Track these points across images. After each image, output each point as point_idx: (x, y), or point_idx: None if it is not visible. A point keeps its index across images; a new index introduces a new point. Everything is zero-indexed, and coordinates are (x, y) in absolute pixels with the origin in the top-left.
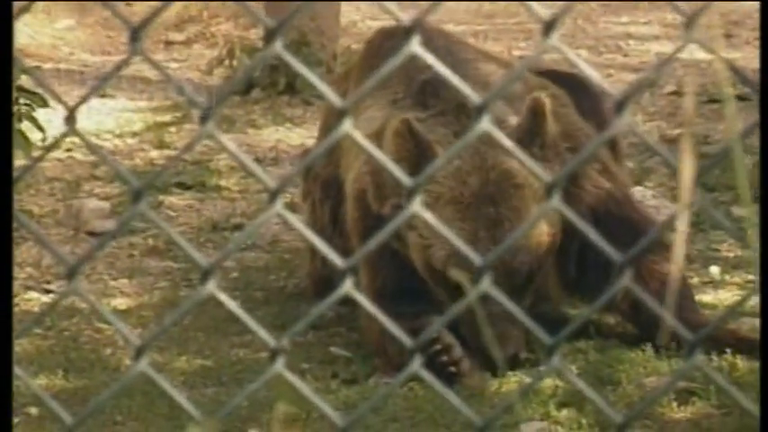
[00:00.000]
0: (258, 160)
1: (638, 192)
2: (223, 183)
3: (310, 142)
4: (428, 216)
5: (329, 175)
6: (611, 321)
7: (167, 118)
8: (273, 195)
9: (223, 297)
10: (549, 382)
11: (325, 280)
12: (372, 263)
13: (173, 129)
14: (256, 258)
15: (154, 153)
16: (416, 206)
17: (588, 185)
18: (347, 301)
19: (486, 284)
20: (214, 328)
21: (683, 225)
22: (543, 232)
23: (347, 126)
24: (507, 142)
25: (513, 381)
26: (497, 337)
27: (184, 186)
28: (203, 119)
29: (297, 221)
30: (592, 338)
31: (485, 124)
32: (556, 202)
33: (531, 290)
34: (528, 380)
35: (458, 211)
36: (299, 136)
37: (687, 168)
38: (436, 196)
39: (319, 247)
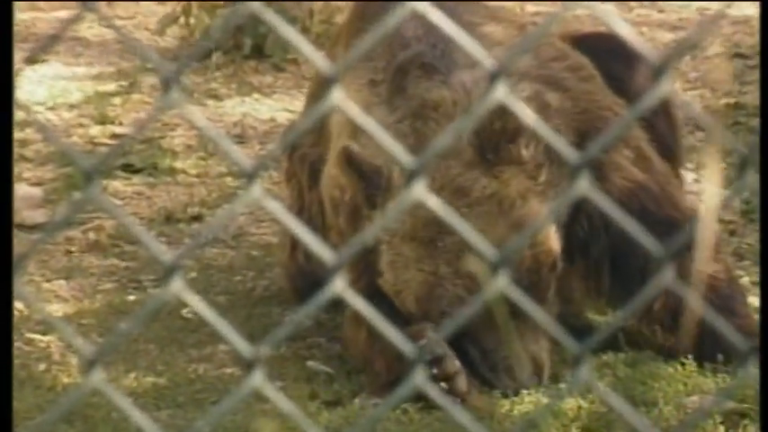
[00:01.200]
0: (220, 137)
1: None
2: (178, 165)
3: (282, 116)
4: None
5: (318, 155)
6: (646, 331)
7: (111, 87)
8: (250, 179)
9: (193, 299)
10: (570, 403)
11: (308, 279)
12: (355, 265)
13: (117, 100)
14: (218, 255)
15: (94, 130)
16: (420, 191)
17: (616, 177)
18: (327, 307)
19: (504, 282)
20: (168, 339)
21: (715, 214)
22: (550, 238)
23: (336, 96)
24: (528, 114)
25: (527, 401)
26: (522, 351)
27: (132, 169)
28: (166, 86)
29: (280, 209)
30: (622, 350)
31: (500, 93)
32: (584, 186)
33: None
34: (545, 400)
35: (413, 249)
36: (269, 109)
37: (718, 142)
38: (392, 233)
39: (304, 239)
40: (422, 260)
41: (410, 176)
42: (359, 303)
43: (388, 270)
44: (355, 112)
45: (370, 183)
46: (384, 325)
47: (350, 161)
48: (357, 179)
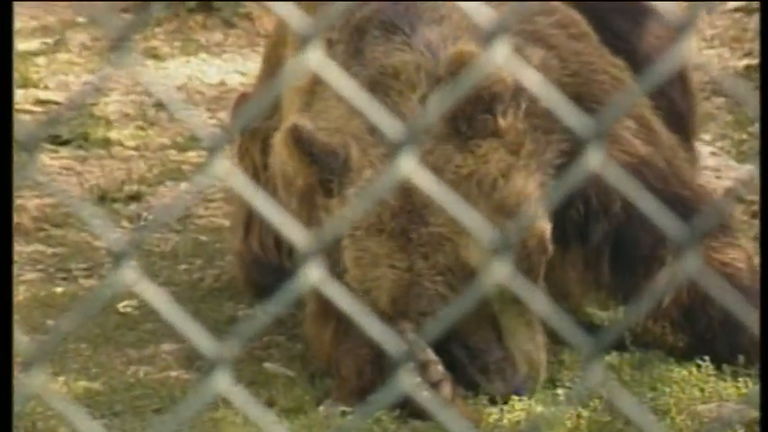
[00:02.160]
0: (159, 105)
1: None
2: (113, 135)
3: (233, 79)
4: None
5: (271, 131)
6: (655, 328)
7: (33, 46)
8: (212, 152)
9: (150, 287)
10: (568, 411)
11: (265, 268)
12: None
13: (41, 61)
14: (160, 241)
15: (15, 95)
16: (408, 166)
17: (615, 151)
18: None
19: (505, 271)
20: (103, 338)
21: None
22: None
23: (315, 58)
24: (533, 75)
25: (518, 408)
26: (516, 350)
27: (59, 141)
28: (115, 47)
29: (249, 187)
30: (627, 351)
31: (499, 56)
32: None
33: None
34: (539, 407)
35: (382, 243)
36: (219, 70)
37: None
38: (354, 227)
39: (276, 222)
40: (393, 255)
41: (395, 149)
42: (338, 295)
43: (353, 267)
44: (335, 74)
45: (325, 166)
46: (366, 320)
47: (299, 141)
48: (309, 162)
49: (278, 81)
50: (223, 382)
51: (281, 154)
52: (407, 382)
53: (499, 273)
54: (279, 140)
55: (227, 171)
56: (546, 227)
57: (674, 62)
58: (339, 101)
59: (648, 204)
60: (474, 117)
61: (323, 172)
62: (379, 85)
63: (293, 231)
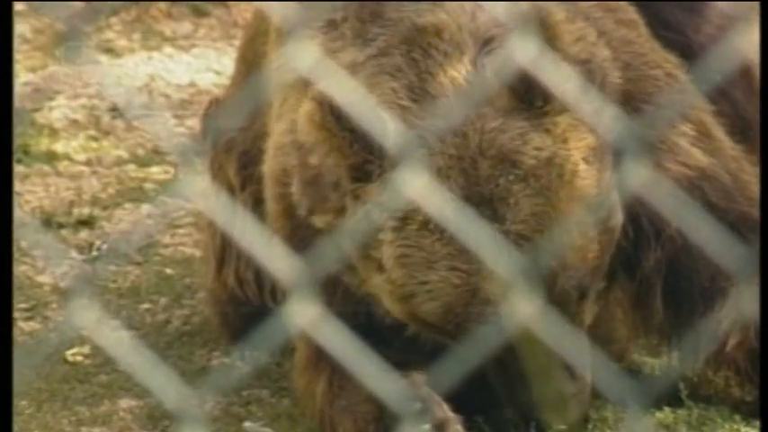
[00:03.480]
0: (114, 111)
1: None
2: (59, 148)
3: (205, 79)
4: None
5: (251, 143)
6: (716, 379)
7: None
8: (178, 169)
9: (105, 331)
10: None
11: (242, 308)
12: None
13: None
14: (118, 275)
15: None
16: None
17: (671, 162)
18: (271, 349)
19: (535, 310)
20: (48, 393)
21: None
22: (586, 232)
23: (306, 56)
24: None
25: None
26: (552, 396)
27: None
28: (62, 40)
29: (222, 208)
30: (683, 406)
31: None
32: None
33: (588, 309)
34: None
35: (441, 241)
36: (188, 69)
37: None
38: (403, 217)
39: (252, 249)
40: (455, 255)
41: (398, 160)
42: (337, 335)
43: (396, 267)
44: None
45: (365, 145)
46: (368, 369)
47: (334, 115)
48: (348, 140)
49: (258, 83)
50: None
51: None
52: None
53: (524, 311)
54: (303, 117)
55: (198, 191)
56: (619, 222)
57: (733, 56)
58: (357, 67)
59: (703, 226)
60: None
61: (361, 152)
62: (415, 44)
63: (279, 261)
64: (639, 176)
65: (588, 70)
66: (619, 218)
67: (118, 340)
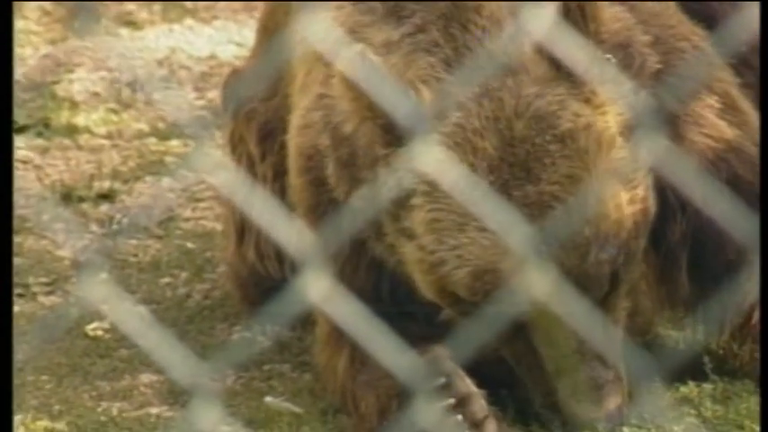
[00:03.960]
0: (135, 84)
1: None
2: (80, 121)
3: (227, 51)
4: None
5: (273, 114)
6: (742, 353)
7: None
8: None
9: (124, 306)
10: None
11: (263, 283)
12: (335, 260)
13: None
14: (138, 249)
15: None
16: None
17: (696, 134)
18: (292, 322)
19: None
20: (68, 368)
21: None
22: (621, 202)
23: (310, 28)
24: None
25: None
26: (585, 385)
27: (15, 128)
28: (79, 11)
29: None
30: (709, 381)
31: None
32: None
33: (622, 302)
34: None
35: (476, 202)
36: (209, 41)
37: None
38: (432, 182)
39: (267, 223)
40: (488, 215)
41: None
42: (351, 311)
43: (426, 232)
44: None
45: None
46: (386, 342)
47: (369, 74)
48: (373, 101)
49: (280, 54)
50: (207, 418)
51: (304, 119)
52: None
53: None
54: (338, 80)
55: (212, 164)
56: (623, 197)
57: (754, 25)
58: (391, 46)
59: (723, 200)
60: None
61: (393, 115)
62: (453, 20)
63: (294, 233)
64: (656, 150)
65: (627, 54)
66: (652, 199)
67: (130, 313)
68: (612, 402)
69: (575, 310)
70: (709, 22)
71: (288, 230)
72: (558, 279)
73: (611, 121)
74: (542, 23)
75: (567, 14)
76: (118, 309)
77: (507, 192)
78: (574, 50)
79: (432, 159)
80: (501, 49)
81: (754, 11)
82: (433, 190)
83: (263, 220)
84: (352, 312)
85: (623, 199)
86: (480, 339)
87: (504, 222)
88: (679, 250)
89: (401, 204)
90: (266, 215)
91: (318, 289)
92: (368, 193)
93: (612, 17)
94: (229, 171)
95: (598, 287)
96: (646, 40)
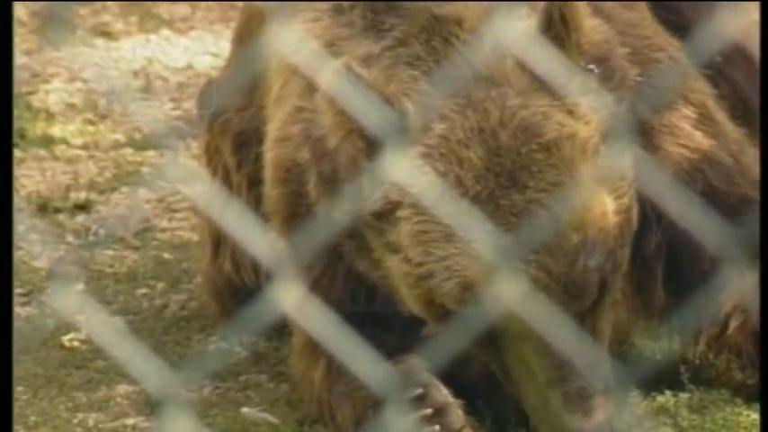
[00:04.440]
0: (112, 94)
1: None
2: (56, 132)
3: (203, 62)
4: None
5: (247, 124)
6: (718, 362)
7: None
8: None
9: (100, 316)
10: None
11: (239, 294)
12: (306, 271)
13: None
14: (115, 260)
15: None
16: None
17: (672, 145)
18: (268, 333)
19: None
20: (44, 379)
21: None
22: (607, 209)
23: (286, 39)
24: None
25: None
26: (570, 399)
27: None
28: (51, 21)
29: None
30: (685, 390)
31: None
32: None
33: (608, 313)
34: None
35: (463, 213)
36: (185, 52)
37: None
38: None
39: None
40: (461, 225)
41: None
42: (322, 320)
43: (413, 244)
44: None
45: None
46: (359, 352)
47: (355, 85)
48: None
49: (254, 64)
50: (181, 428)
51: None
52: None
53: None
54: (321, 90)
55: (182, 175)
56: (608, 204)
57: (725, 36)
58: (371, 60)
59: (692, 207)
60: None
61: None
62: (435, 33)
63: (254, 246)
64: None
65: (607, 68)
66: (635, 207)
67: (104, 324)
68: (601, 414)
69: (558, 322)
70: (681, 31)
71: (262, 241)
72: (536, 290)
73: (594, 130)
74: (521, 36)
75: (549, 26)
76: (92, 319)
77: (494, 201)
78: (555, 63)
79: (403, 171)
80: (483, 62)
81: (725, 18)
82: (419, 202)
83: (238, 230)
84: (326, 323)
85: (609, 207)
86: (455, 348)
87: (477, 232)
88: (655, 261)
89: (386, 218)
90: (241, 226)
91: (291, 298)
92: (350, 208)
93: (593, 29)
94: (204, 182)
95: (587, 295)
96: (624, 53)
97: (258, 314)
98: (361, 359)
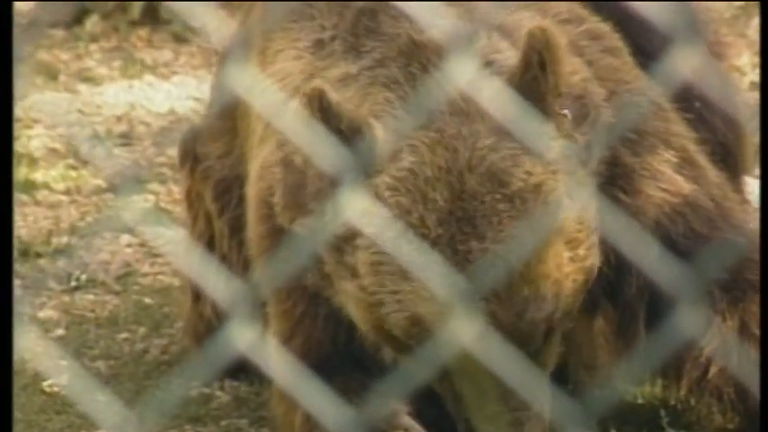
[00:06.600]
0: (97, 137)
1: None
2: (38, 177)
3: (185, 107)
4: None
5: (228, 170)
6: (699, 406)
7: None
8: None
9: (78, 363)
10: None
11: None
12: (288, 312)
13: None
14: (97, 304)
15: None
16: (350, 200)
17: (652, 188)
18: (250, 377)
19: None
20: (25, 425)
21: None
22: (562, 261)
23: (242, 81)
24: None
25: None
26: (511, 424)
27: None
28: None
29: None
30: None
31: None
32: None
33: (554, 348)
34: None
35: (420, 252)
36: (168, 97)
37: None
38: (382, 224)
39: (203, 279)
40: (415, 264)
41: (331, 183)
42: (279, 367)
43: (368, 273)
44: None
45: (349, 138)
46: (320, 394)
47: (325, 109)
48: (331, 130)
49: (232, 109)
50: None
51: (254, 208)
52: None
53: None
54: (269, 148)
55: (173, 219)
56: (565, 259)
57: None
58: (349, 80)
59: (642, 248)
60: (545, 101)
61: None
62: (413, 59)
63: (222, 294)
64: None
65: (582, 106)
66: (595, 261)
67: (59, 366)
68: None
69: (501, 356)
70: (648, 59)
71: (220, 281)
72: (486, 329)
73: (560, 180)
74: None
75: (528, 67)
76: (42, 359)
77: (452, 246)
78: (527, 107)
79: (357, 209)
80: (459, 94)
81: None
82: (383, 234)
83: (199, 273)
84: (296, 373)
85: (564, 258)
86: (415, 381)
87: (433, 273)
88: (637, 303)
89: (346, 240)
90: (202, 269)
91: (246, 338)
92: (312, 224)
93: (571, 70)
94: (184, 228)
95: (531, 343)
96: (601, 93)
97: (214, 355)
98: (330, 408)
